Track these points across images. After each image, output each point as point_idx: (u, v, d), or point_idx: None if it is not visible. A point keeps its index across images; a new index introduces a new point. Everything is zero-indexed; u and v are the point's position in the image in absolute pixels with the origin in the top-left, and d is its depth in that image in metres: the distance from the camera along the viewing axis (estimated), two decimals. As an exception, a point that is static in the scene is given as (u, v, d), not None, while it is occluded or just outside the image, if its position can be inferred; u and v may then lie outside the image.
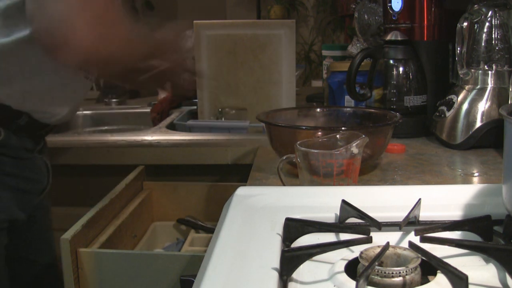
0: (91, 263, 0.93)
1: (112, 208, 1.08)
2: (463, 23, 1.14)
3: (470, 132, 1.14)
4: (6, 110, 0.94)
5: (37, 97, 0.98)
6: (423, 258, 0.51)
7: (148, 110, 1.89)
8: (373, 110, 1.16)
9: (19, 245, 1.07)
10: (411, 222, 0.62)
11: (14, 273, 1.06)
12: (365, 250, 0.53)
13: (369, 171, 1.02)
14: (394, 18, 1.29)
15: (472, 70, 1.15)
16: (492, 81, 1.14)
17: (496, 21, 1.12)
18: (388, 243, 0.54)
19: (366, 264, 0.50)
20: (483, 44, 1.13)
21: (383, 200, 0.70)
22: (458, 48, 1.15)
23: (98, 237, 1.00)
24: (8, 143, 0.96)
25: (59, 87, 1.00)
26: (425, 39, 1.26)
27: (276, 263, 0.52)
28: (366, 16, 1.66)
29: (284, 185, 0.90)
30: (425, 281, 0.51)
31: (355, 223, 0.64)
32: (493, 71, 1.13)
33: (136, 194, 1.24)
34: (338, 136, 0.88)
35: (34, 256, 1.12)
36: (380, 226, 0.61)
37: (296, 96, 1.64)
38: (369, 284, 0.49)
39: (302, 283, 0.52)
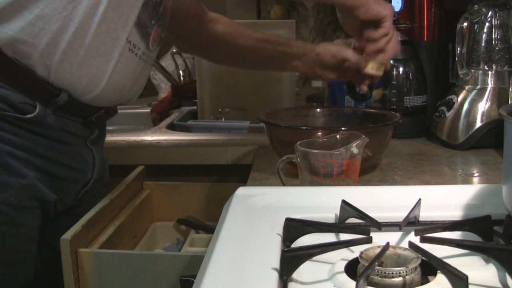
0: (91, 263, 0.93)
1: (112, 208, 1.08)
2: (463, 23, 1.14)
3: (470, 132, 1.14)
4: (43, 85, 0.88)
5: (65, 51, 0.87)
6: (423, 258, 0.51)
7: (148, 110, 1.89)
8: (373, 110, 1.16)
9: (56, 234, 1.05)
10: (411, 222, 0.62)
11: (40, 258, 1.04)
12: (365, 250, 0.53)
13: (369, 171, 1.02)
14: (394, 18, 1.28)
15: (472, 70, 1.15)
16: (492, 81, 1.14)
17: (496, 21, 1.12)
18: (388, 243, 0.54)
19: (366, 264, 0.50)
20: (483, 44, 1.13)
21: (383, 200, 0.70)
22: (458, 48, 1.15)
23: (98, 237, 1.00)
24: (44, 121, 0.90)
25: (95, 48, 0.89)
26: (425, 39, 1.26)
27: (276, 263, 0.52)
28: (366, 16, 1.66)
29: (284, 185, 0.90)
30: (425, 281, 0.51)
31: (355, 223, 0.64)
32: (493, 71, 1.13)
33: (136, 194, 1.24)
34: (338, 136, 0.88)
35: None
36: (380, 226, 0.61)
37: (296, 96, 1.64)
38: (369, 284, 0.49)
39: (302, 283, 0.52)
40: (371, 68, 1.04)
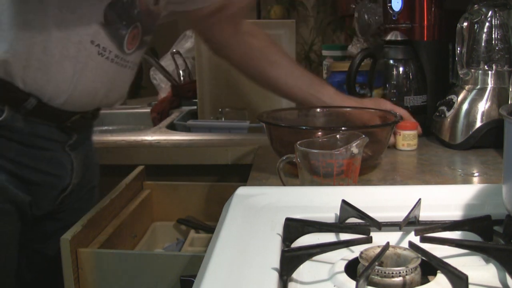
0: (91, 263, 0.93)
1: (112, 208, 1.08)
2: (463, 23, 1.14)
3: (470, 132, 1.14)
4: (11, 90, 0.86)
5: (31, 56, 0.85)
6: (423, 258, 0.51)
7: (148, 110, 1.89)
8: (373, 110, 1.16)
9: (41, 239, 1.03)
10: (411, 222, 0.62)
11: (26, 263, 1.03)
12: (365, 250, 0.53)
13: (369, 171, 1.02)
14: (394, 18, 1.29)
15: (472, 70, 1.15)
16: (492, 81, 1.14)
17: (496, 21, 1.12)
18: (388, 243, 0.54)
19: (366, 264, 0.50)
20: (483, 44, 1.13)
21: (383, 200, 0.70)
22: (458, 48, 1.15)
23: (98, 237, 1.00)
24: (14, 126, 0.88)
25: (58, 53, 0.86)
26: (425, 39, 1.26)
27: (276, 263, 0.52)
28: (366, 16, 1.66)
29: (284, 185, 0.90)
30: (425, 281, 0.51)
31: (355, 223, 0.64)
32: (493, 71, 1.13)
33: (136, 194, 1.24)
34: (338, 136, 0.88)
35: (51, 251, 1.05)
36: (380, 226, 0.61)
37: (296, 96, 1.63)
38: (369, 284, 0.49)
39: (302, 283, 0.52)
40: (402, 145, 1.14)
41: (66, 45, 0.86)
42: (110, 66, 0.93)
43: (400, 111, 1.11)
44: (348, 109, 1.20)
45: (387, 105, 1.13)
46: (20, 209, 0.94)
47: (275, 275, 0.50)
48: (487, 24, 1.13)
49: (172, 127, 1.58)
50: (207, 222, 1.28)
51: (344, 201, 0.65)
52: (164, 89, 2.01)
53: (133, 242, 1.15)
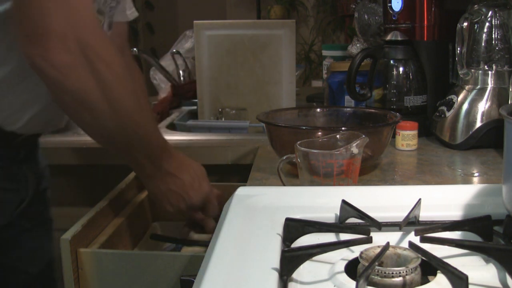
0: (91, 263, 0.93)
1: (112, 208, 1.08)
2: (463, 23, 1.14)
3: (470, 132, 1.14)
4: None
5: None
6: (423, 258, 0.51)
7: (148, 110, 1.88)
8: (373, 110, 1.16)
9: (9, 254, 1.02)
10: (411, 222, 0.62)
11: (5, 282, 1.03)
12: (365, 250, 0.53)
13: (369, 171, 1.02)
14: (394, 18, 1.29)
15: (472, 70, 1.15)
16: (492, 81, 1.14)
17: (496, 21, 1.12)
18: (388, 243, 0.54)
19: (366, 264, 0.50)
20: (483, 44, 1.13)
21: (383, 200, 0.70)
22: (458, 48, 1.15)
23: (98, 237, 1.00)
24: None
25: (14, 85, 0.86)
26: (425, 39, 1.26)
27: (276, 263, 0.52)
28: (366, 16, 1.66)
29: (284, 185, 0.90)
30: (425, 281, 0.51)
31: (355, 223, 0.64)
32: (493, 71, 1.13)
33: (136, 194, 1.24)
34: (338, 136, 0.88)
35: (25, 266, 1.06)
36: (380, 226, 0.61)
37: (296, 96, 1.64)
38: (369, 284, 0.49)
39: (302, 283, 0.52)
40: (402, 145, 1.15)
41: (19, 75, 0.85)
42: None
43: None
44: (348, 109, 1.20)
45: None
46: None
47: (275, 275, 0.50)
48: (487, 24, 1.13)
49: (172, 127, 1.58)
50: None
51: (344, 201, 0.65)
52: (164, 89, 2.01)
53: (133, 242, 1.15)
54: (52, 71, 0.73)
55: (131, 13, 1.07)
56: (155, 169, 0.92)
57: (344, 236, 0.59)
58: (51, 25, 0.71)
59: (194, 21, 1.61)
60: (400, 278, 0.50)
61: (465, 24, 1.13)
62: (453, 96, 1.18)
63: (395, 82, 1.27)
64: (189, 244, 1.11)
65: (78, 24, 0.73)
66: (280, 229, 0.61)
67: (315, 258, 0.54)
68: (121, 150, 0.92)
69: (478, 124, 1.13)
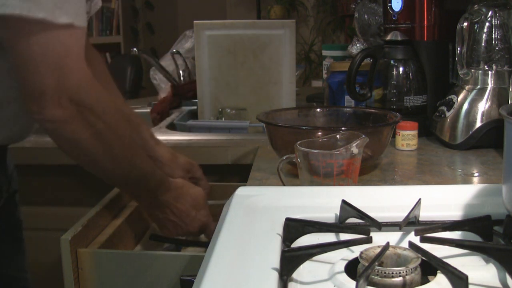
0: (91, 263, 0.93)
1: (112, 208, 1.08)
2: (463, 23, 1.14)
3: (470, 132, 1.14)
4: None
5: None
6: (423, 258, 0.51)
7: (148, 110, 1.89)
8: (373, 110, 1.16)
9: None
10: (411, 222, 0.62)
11: None
12: (365, 250, 0.53)
13: (369, 171, 1.02)
14: (394, 18, 1.29)
15: (472, 70, 1.15)
16: (492, 81, 1.14)
17: (496, 21, 1.12)
18: (388, 243, 0.54)
19: (366, 264, 0.50)
20: (483, 44, 1.13)
21: (383, 200, 0.70)
22: (458, 48, 1.15)
23: (98, 237, 1.00)
24: None
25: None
26: (425, 39, 1.26)
27: (276, 263, 0.52)
28: (366, 16, 1.66)
29: (284, 185, 0.90)
30: (425, 281, 0.51)
31: (355, 223, 0.64)
32: (493, 71, 1.13)
33: (136, 194, 1.24)
34: (338, 136, 0.88)
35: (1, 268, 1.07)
36: (380, 226, 0.61)
37: (296, 96, 1.64)
38: (369, 284, 0.49)
39: (302, 283, 0.52)
40: (402, 145, 1.16)
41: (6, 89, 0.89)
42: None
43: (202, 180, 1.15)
44: (348, 109, 1.20)
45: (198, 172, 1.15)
46: None
47: (275, 275, 0.50)
48: (487, 24, 1.13)
49: (172, 127, 1.58)
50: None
51: (344, 201, 0.65)
52: (164, 89, 2.01)
53: (133, 242, 1.15)
54: (49, 124, 0.81)
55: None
56: (153, 200, 0.99)
57: (344, 236, 0.59)
58: (45, 88, 0.78)
59: (194, 21, 1.61)
60: (400, 278, 0.50)
61: (465, 24, 1.13)
62: (453, 96, 1.18)
63: (395, 82, 1.27)
64: (189, 244, 1.11)
65: (71, 84, 0.80)
66: (280, 229, 0.61)
67: (315, 258, 0.54)
68: (120, 186, 1.03)
69: (478, 124, 1.13)
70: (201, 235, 1.10)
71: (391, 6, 1.29)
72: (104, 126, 0.85)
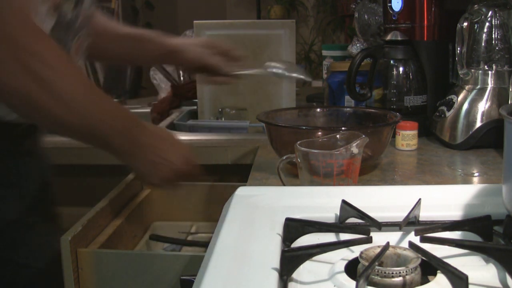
0: (91, 263, 0.93)
1: (112, 208, 1.08)
2: (463, 23, 1.14)
3: (470, 132, 1.14)
4: None
5: None
6: (423, 258, 0.51)
7: (148, 110, 1.89)
8: (373, 110, 1.16)
9: (7, 248, 1.03)
10: (411, 222, 0.62)
11: (13, 277, 1.03)
12: (365, 250, 0.53)
13: (369, 171, 1.02)
14: (394, 18, 1.29)
15: (472, 70, 1.15)
16: (492, 81, 1.14)
17: (496, 21, 1.12)
18: (388, 243, 0.54)
19: (366, 264, 0.50)
20: (483, 44, 1.13)
21: (383, 200, 0.70)
22: (458, 48, 1.15)
23: (98, 237, 1.00)
24: None
25: None
26: (425, 39, 1.26)
27: (276, 263, 0.52)
28: (366, 16, 1.66)
29: (284, 185, 0.90)
30: (425, 281, 0.51)
31: (355, 223, 0.64)
32: (493, 71, 1.13)
33: (136, 194, 1.24)
34: (338, 136, 0.88)
35: (26, 260, 1.07)
36: (380, 226, 0.61)
37: (296, 96, 1.64)
38: (369, 284, 0.49)
39: (302, 283, 0.52)
40: (402, 145, 1.15)
41: None
42: None
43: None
44: (348, 109, 1.20)
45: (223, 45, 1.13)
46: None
47: (275, 275, 0.50)
48: (487, 24, 1.13)
49: (172, 127, 1.58)
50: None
51: (344, 201, 0.65)
52: (164, 89, 2.01)
53: (133, 242, 1.15)
54: None
55: None
56: (132, 146, 0.91)
57: (344, 236, 0.59)
58: None
59: (194, 21, 1.61)
60: (400, 278, 0.50)
61: (465, 24, 1.13)
62: (453, 96, 1.18)
63: (395, 82, 1.27)
64: (189, 244, 1.11)
65: (5, 20, 0.72)
66: (280, 229, 0.61)
67: (315, 258, 0.54)
68: (91, 140, 0.90)
69: (478, 124, 1.13)
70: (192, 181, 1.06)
71: (391, 6, 1.29)
72: (49, 72, 0.76)
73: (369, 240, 0.56)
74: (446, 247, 0.55)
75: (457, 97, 1.17)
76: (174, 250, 1.19)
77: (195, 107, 1.76)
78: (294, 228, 0.60)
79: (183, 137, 1.43)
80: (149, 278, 0.94)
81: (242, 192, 0.73)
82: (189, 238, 1.24)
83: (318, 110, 1.19)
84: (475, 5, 1.15)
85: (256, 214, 0.66)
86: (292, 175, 0.94)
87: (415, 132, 1.16)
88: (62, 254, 0.91)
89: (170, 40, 1.16)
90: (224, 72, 1.16)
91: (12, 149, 0.94)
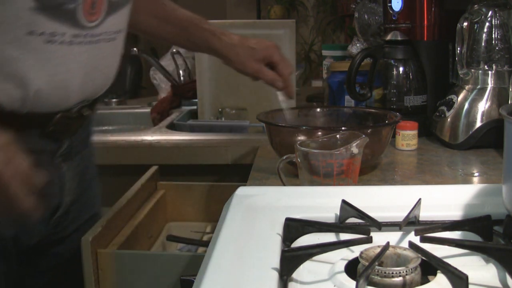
0: (110, 263, 0.93)
1: (129, 208, 1.07)
2: (463, 23, 1.14)
3: (470, 132, 1.14)
4: None
5: None
6: (423, 258, 0.51)
7: (148, 110, 1.89)
8: (373, 110, 1.16)
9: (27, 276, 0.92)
10: (411, 222, 0.62)
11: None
12: (365, 250, 0.53)
13: (369, 171, 1.02)
14: (394, 18, 1.29)
15: (472, 70, 1.15)
16: (492, 81, 1.14)
17: (496, 21, 1.12)
18: (388, 243, 0.54)
19: (366, 264, 0.50)
20: (483, 44, 1.13)
21: (383, 200, 0.70)
22: (458, 48, 1.15)
23: (116, 238, 0.99)
24: None
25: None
26: (425, 39, 1.26)
27: (276, 263, 0.52)
28: (366, 16, 1.66)
29: (284, 185, 0.90)
30: (425, 281, 0.51)
31: (355, 223, 0.64)
32: (493, 71, 1.13)
33: (151, 195, 1.23)
34: (338, 136, 0.88)
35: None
36: (380, 226, 0.61)
37: (296, 96, 1.64)
38: (369, 284, 0.49)
39: (302, 283, 0.52)
40: (402, 145, 1.15)
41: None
42: (71, 50, 0.75)
43: (285, 64, 1.10)
44: (348, 109, 1.20)
45: (275, 55, 1.11)
46: (3, 248, 0.80)
47: (275, 275, 0.50)
48: (487, 24, 1.13)
49: (172, 127, 1.58)
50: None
51: (344, 201, 0.65)
52: (164, 89, 2.01)
53: (148, 243, 1.15)
54: None
55: None
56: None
57: (344, 236, 0.59)
58: None
59: (194, 21, 1.60)
60: (400, 278, 0.50)
61: (465, 24, 1.13)
62: (453, 96, 1.18)
63: (395, 82, 1.27)
64: (205, 244, 1.10)
65: None
66: (280, 229, 0.61)
67: (315, 258, 0.54)
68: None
69: (478, 124, 1.13)
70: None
71: (391, 6, 1.29)
72: None
73: (369, 240, 0.56)
74: (446, 247, 0.55)
75: (457, 97, 1.17)
76: (190, 250, 1.19)
77: (195, 107, 1.76)
78: (294, 228, 0.60)
79: (183, 137, 1.43)
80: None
81: (242, 192, 0.73)
82: (204, 238, 1.23)
83: (318, 110, 1.19)
84: (475, 5, 1.15)
85: (256, 214, 0.66)
86: (292, 175, 0.94)
87: (415, 132, 1.16)
88: (83, 255, 0.89)
89: (225, 37, 1.14)
90: (255, 79, 1.12)
91: (49, 151, 0.83)
